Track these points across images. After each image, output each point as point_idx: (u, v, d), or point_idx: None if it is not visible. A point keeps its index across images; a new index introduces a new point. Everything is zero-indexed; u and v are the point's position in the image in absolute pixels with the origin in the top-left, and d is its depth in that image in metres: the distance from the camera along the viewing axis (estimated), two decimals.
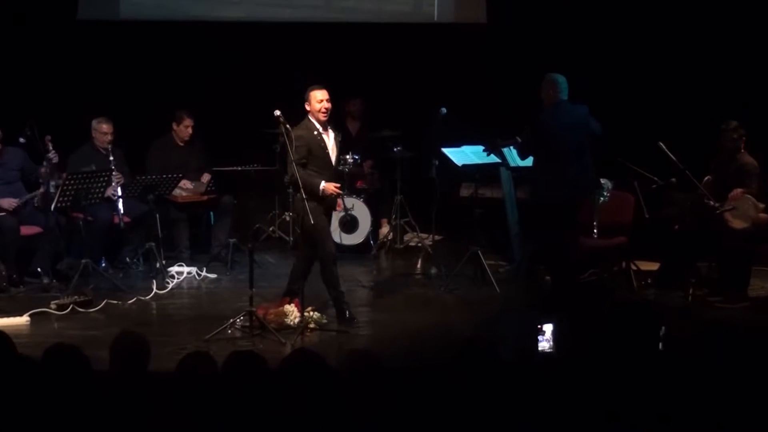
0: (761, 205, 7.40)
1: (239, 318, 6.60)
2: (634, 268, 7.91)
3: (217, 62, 9.84)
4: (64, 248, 7.94)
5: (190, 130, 8.81)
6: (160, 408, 3.64)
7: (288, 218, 9.39)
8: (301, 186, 6.55)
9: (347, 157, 8.88)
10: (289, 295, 6.87)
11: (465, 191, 8.72)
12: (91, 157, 8.28)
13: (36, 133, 7.70)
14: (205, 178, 8.83)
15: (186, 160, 8.80)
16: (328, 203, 6.80)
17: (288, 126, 6.66)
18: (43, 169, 7.75)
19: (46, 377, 3.77)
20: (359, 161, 9.39)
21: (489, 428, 3.65)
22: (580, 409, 3.72)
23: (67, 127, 8.56)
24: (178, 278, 8.09)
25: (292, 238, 9.28)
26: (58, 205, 7.57)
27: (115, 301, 7.33)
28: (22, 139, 7.81)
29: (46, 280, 7.69)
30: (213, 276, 8.27)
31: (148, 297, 7.53)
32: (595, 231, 7.78)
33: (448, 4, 10.32)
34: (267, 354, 4.71)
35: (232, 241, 8.58)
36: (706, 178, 7.67)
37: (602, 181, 7.67)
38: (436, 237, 9.13)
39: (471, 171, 8.20)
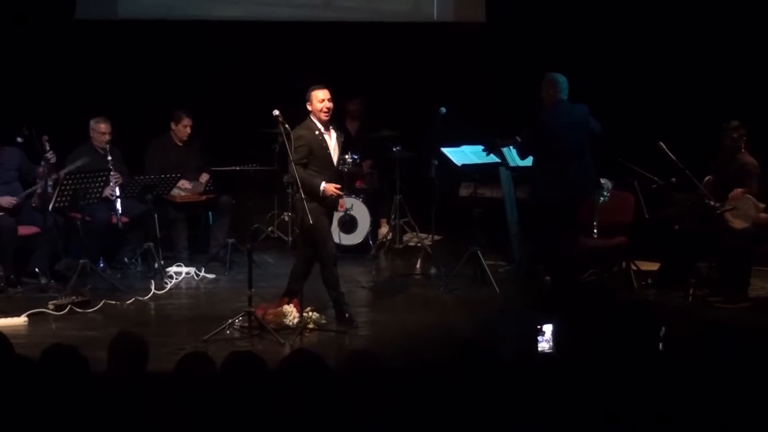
0: (761, 205, 7.40)
1: (238, 318, 6.59)
2: (634, 268, 7.91)
3: (215, 61, 9.82)
4: (62, 248, 7.93)
5: (188, 130, 8.80)
6: (159, 409, 3.63)
7: (287, 218, 9.38)
8: (300, 186, 6.53)
9: (346, 156, 8.86)
10: (289, 295, 6.86)
11: (464, 191, 8.71)
12: (89, 156, 8.25)
13: (34, 132, 7.68)
14: (204, 177, 8.82)
15: (184, 160, 8.78)
16: (328, 204, 6.77)
17: (287, 126, 6.64)
18: (41, 169, 7.73)
19: (44, 378, 3.76)
20: (358, 161, 9.38)
21: (489, 429, 3.64)
22: (580, 409, 3.72)
23: (65, 127, 8.54)
24: (176, 278, 8.08)
25: (290, 238, 9.27)
26: (56, 205, 7.55)
27: (113, 302, 7.31)
28: (19, 139, 7.80)
29: (44, 281, 7.67)
30: (211, 276, 8.26)
31: (146, 297, 7.51)
32: (595, 231, 7.77)
33: (447, 4, 10.30)
34: (266, 354, 4.70)
35: (230, 241, 8.56)
36: (706, 178, 7.66)
37: (602, 180, 7.66)
38: (436, 237, 9.12)
39: (470, 171, 8.18)
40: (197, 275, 8.23)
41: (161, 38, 9.91)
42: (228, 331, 6.51)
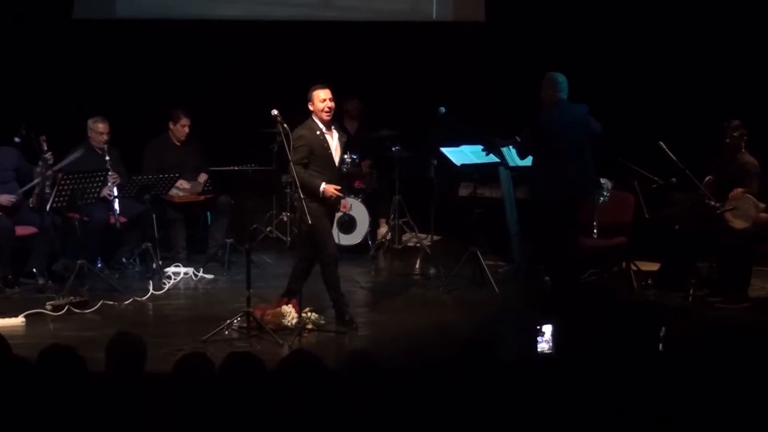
0: (762, 205, 7.39)
1: (236, 319, 6.57)
2: (634, 268, 7.90)
3: (214, 61, 9.81)
4: (60, 249, 7.89)
5: (186, 130, 8.78)
6: (157, 410, 3.62)
7: (285, 218, 9.36)
8: (299, 186, 6.51)
9: (345, 156, 8.83)
10: (288, 295, 6.83)
11: (464, 191, 8.70)
12: (87, 156, 8.23)
13: (31, 132, 7.66)
14: (202, 177, 8.80)
15: (183, 160, 8.76)
16: (329, 204, 6.74)
17: (285, 125, 6.62)
18: (38, 169, 7.70)
19: (42, 378, 3.75)
20: (357, 161, 9.36)
21: (488, 429, 3.64)
22: (580, 410, 3.71)
23: (63, 127, 8.52)
24: (174, 279, 8.06)
25: (289, 239, 9.25)
26: (54, 205, 7.53)
27: (111, 302, 7.29)
28: (17, 139, 7.77)
29: (41, 281, 7.65)
30: (210, 276, 8.24)
31: (144, 298, 7.49)
32: (595, 231, 7.77)
33: (446, 3, 10.29)
34: (264, 355, 4.68)
35: (229, 241, 8.55)
36: (707, 178, 7.66)
37: (602, 180, 7.65)
38: (435, 237, 9.10)
39: (470, 171, 8.17)
40: (195, 275, 8.21)
41: (159, 38, 9.89)
42: (226, 332, 6.49)
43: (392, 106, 9.61)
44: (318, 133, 6.65)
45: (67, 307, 7.03)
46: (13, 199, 7.69)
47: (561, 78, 7.15)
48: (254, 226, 8.95)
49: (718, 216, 7.38)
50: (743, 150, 7.52)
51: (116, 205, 8.04)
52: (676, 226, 7.77)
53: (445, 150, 8.18)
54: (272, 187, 9.28)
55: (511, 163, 8.02)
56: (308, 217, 6.42)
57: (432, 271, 8.49)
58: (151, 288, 7.64)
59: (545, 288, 7.76)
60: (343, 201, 7.07)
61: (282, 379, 3.67)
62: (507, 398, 3.75)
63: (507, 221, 8.46)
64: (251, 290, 6.59)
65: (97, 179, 7.75)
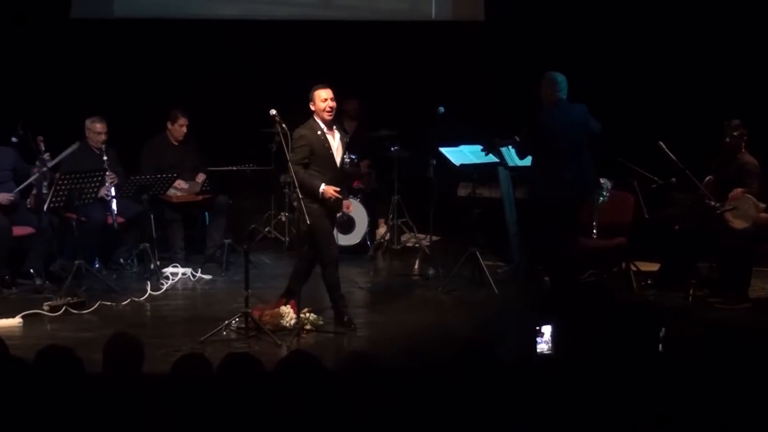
0: (762, 205, 7.38)
1: (234, 319, 6.55)
2: (633, 268, 7.89)
3: (212, 60, 9.80)
4: (57, 249, 7.87)
5: (184, 129, 8.76)
6: (155, 411, 3.61)
7: (284, 218, 9.34)
8: (298, 185, 6.48)
9: (344, 156, 8.81)
10: (288, 296, 6.80)
11: (463, 191, 8.69)
12: (85, 156, 8.21)
13: (28, 132, 7.64)
14: (200, 177, 8.78)
15: (181, 160, 8.74)
16: (329, 205, 6.70)
17: (284, 125, 6.59)
18: (35, 170, 7.68)
19: (39, 379, 3.74)
20: (356, 161, 9.34)
21: (487, 430, 3.63)
22: (580, 410, 3.71)
23: (60, 127, 8.49)
24: (172, 279, 8.04)
25: (287, 239, 9.23)
26: (51, 205, 7.50)
27: (109, 303, 7.27)
28: (14, 139, 7.76)
29: (38, 282, 7.62)
30: (208, 277, 8.22)
31: (142, 298, 7.47)
32: (594, 231, 7.75)
33: (445, 2, 10.29)
34: (262, 356, 4.65)
35: (227, 241, 8.52)
36: (707, 178, 7.64)
37: (602, 180, 7.64)
38: (434, 237, 9.07)
39: (469, 171, 8.15)
40: (193, 276, 8.19)
41: (157, 37, 9.87)
42: (224, 333, 6.46)
43: (391, 105, 9.59)
44: (319, 133, 6.63)
45: (64, 308, 7.01)
46: (11, 197, 7.67)
47: (560, 78, 7.13)
48: (252, 226, 8.92)
49: (718, 216, 7.37)
50: (743, 150, 7.51)
51: (114, 206, 8.03)
52: (676, 227, 7.76)
53: (444, 150, 8.16)
54: (271, 187, 9.27)
55: (511, 163, 8.01)
56: (307, 217, 6.40)
57: (431, 271, 8.48)
58: (148, 288, 7.62)
59: (544, 288, 7.74)
60: (345, 202, 7.03)
61: (280, 380, 3.66)
62: (506, 399, 3.74)
63: (506, 221, 8.45)
64: (249, 291, 6.56)
65: (95, 179, 7.73)
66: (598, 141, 7.22)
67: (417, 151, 8.86)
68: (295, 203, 6.70)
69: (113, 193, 8.06)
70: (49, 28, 9.65)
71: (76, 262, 7.45)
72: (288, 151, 6.56)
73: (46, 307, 7.01)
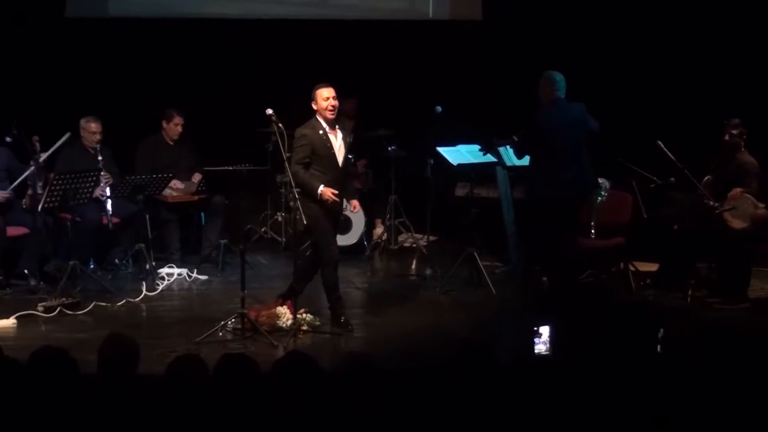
0: (761, 205, 7.36)
1: (230, 320, 6.52)
2: (632, 268, 7.87)
3: (207, 60, 9.79)
4: (52, 249, 7.84)
5: (180, 129, 8.72)
6: (150, 412, 3.60)
7: (280, 219, 9.32)
8: (294, 185, 6.44)
9: (346, 156, 8.79)
10: (289, 295, 6.76)
11: (460, 191, 8.68)
12: (79, 156, 8.18)
13: (23, 132, 7.62)
14: (196, 177, 8.75)
15: (176, 160, 8.71)
16: (329, 206, 6.65)
17: (280, 125, 6.56)
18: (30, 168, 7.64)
19: (33, 381, 3.74)
20: (353, 160, 9.29)
21: (485, 430, 3.62)
22: (578, 411, 3.72)
23: (55, 126, 8.42)
24: (168, 280, 8.01)
25: (284, 239, 9.21)
26: (46, 205, 7.47)
27: (104, 304, 7.24)
28: (8, 138, 7.74)
29: (33, 282, 7.59)
30: (204, 277, 8.19)
31: (137, 299, 7.44)
32: (592, 231, 7.73)
33: (443, 1, 10.30)
34: (259, 357, 4.62)
35: (223, 242, 8.50)
36: (706, 178, 7.63)
37: (600, 180, 7.62)
38: (431, 237, 9.07)
39: (466, 170, 8.14)
40: (189, 276, 8.16)
41: (151, 36, 9.86)
42: (220, 333, 6.44)
43: (389, 105, 9.58)
44: (321, 132, 6.59)
45: (59, 309, 6.98)
46: (6, 195, 7.64)
47: (559, 77, 7.10)
48: (249, 226, 8.93)
49: (717, 216, 7.36)
50: (742, 149, 7.49)
51: (109, 206, 8.00)
52: (675, 226, 7.74)
53: (441, 149, 8.14)
54: (267, 187, 9.25)
55: (509, 163, 7.99)
56: (304, 217, 6.37)
57: (428, 271, 8.47)
58: (144, 289, 7.59)
59: (542, 289, 7.74)
60: (353, 201, 7.00)
61: (277, 380, 3.65)
62: (504, 399, 3.74)
63: (504, 221, 8.43)
64: (245, 291, 6.54)
65: (90, 179, 7.70)
66: (596, 140, 7.20)
67: (414, 151, 8.86)
68: (292, 203, 6.66)
69: (108, 193, 8.04)
70: (44, 27, 9.63)
71: (71, 262, 7.43)
72: (284, 150, 6.53)
73: (40, 308, 6.97)
